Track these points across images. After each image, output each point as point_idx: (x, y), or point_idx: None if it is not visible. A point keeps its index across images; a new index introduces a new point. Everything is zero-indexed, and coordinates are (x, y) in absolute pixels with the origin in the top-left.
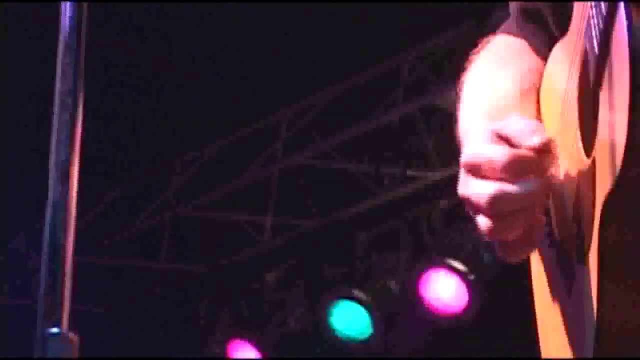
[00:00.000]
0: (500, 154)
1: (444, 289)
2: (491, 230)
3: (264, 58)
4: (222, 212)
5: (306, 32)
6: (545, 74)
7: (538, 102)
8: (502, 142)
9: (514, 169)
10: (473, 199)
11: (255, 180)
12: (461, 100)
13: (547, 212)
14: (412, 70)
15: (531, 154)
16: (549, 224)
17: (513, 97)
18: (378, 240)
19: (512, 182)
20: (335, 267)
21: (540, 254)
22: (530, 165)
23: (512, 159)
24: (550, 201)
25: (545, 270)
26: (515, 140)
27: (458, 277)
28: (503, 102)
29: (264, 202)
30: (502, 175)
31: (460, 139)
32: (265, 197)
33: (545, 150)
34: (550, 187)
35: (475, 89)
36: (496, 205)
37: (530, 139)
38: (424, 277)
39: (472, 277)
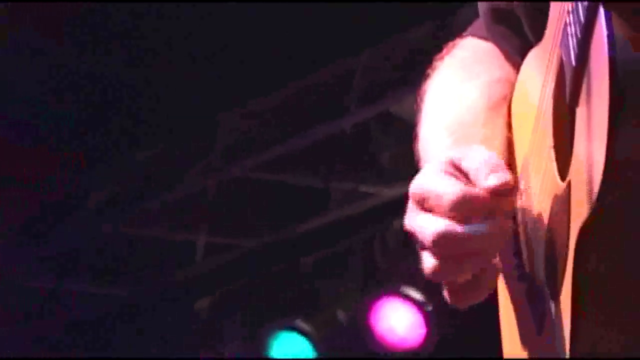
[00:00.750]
0: (450, 190)
1: (399, 321)
2: (435, 272)
3: (199, 58)
4: (149, 229)
5: (247, 30)
6: (518, 83)
7: (509, 114)
8: (457, 174)
9: (463, 210)
10: (418, 233)
11: (188, 193)
12: (422, 113)
13: (516, 242)
14: (367, 74)
15: (486, 195)
16: (519, 254)
17: (481, 110)
18: (325, 264)
19: (461, 222)
20: (277, 293)
21: (509, 288)
22: (482, 208)
23: (462, 198)
24: (520, 230)
25: (514, 304)
26: (472, 177)
27: (415, 307)
28: (470, 116)
29: (197, 219)
30: (449, 214)
31: (420, 158)
32: (198, 212)
33: (501, 194)
34: (506, 232)
35: (439, 101)
36: (441, 245)
37: (486, 178)
38: (376, 306)
39: (430, 307)
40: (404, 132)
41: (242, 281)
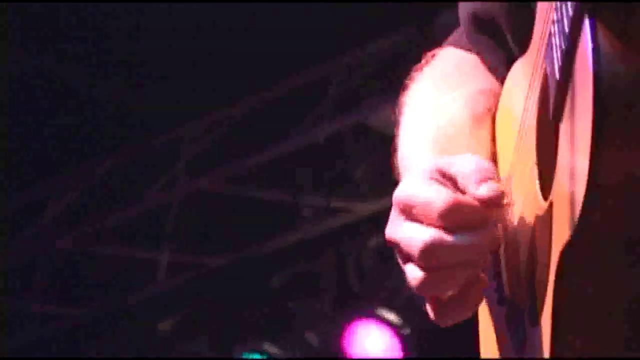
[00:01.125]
0: (439, 198)
1: (374, 344)
2: (422, 285)
3: (164, 67)
4: (109, 245)
5: (215, 34)
6: (502, 95)
7: (493, 128)
8: (445, 182)
9: (453, 219)
10: (403, 244)
11: (150, 208)
12: (400, 126)
13: (496, 264)
14: (342, 82)
15: (476, 203)
16: (498, 277)
17: (465, 122)
18: (295, 284)
19: (451, 232)
20: (244, 314)
21: (489, 311)
22: (473, 217)
23: (452, 206)
24: (501, 251)
25: (493, 328)
26: (460, 184)
27: (390, 330)
28: (452, 129)
29: (160, 235)
30: (438, 223)
31: (399, 173)
32: (161, 228)
33: (493, 204)
34: (496, 242)
35: (418, 113)
36: (430, 256)
37: (478, 186)
38: (350, 329)
39: (406, 330)
40: (381, 144)
41: (207, 301)
